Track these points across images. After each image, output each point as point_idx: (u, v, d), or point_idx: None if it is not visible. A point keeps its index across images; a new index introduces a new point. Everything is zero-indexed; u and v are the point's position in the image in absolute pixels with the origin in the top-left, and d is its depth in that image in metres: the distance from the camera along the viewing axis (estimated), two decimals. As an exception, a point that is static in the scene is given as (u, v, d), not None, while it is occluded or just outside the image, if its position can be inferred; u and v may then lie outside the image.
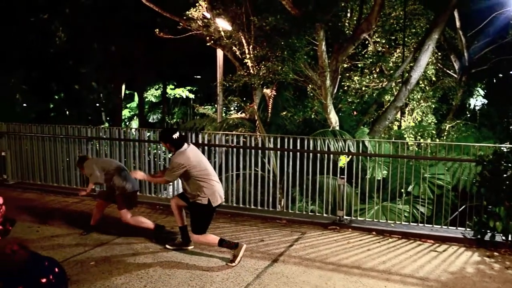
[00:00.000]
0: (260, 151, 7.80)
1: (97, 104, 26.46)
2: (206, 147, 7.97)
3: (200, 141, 8.01)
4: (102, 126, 18.82)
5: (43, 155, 9.46)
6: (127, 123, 31.68)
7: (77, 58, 22.61)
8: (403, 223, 7.04)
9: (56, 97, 25.33)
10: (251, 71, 12.48)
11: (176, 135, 5.61)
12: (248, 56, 12.64)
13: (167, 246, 6.04)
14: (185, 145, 5.69)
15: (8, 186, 9.32)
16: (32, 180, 9.62)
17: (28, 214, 7.37)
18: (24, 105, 22.04)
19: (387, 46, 16.08)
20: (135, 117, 31.89)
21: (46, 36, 20.96)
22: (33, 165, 9.59)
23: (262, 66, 11.80)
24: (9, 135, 9.79)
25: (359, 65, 15.61)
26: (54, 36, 21.30)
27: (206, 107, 25.18)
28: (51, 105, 24.84)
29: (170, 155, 6.46)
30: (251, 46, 12.59)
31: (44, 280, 3.42)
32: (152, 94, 32.31)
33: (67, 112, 23.68)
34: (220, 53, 15.06)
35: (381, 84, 14.87)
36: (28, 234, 6.43)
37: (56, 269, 3.31)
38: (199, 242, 5.64)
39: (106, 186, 6.57)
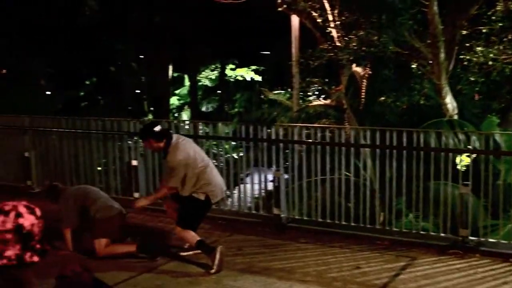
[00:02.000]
0: (352, 149, 7.70)
1: (138, 91, 27.24)
2: (281, 144, 7.97)
3: (273, 137, 8.02)
4: (145, 118, 19.36)
5: (75, 156, 9.80)
6: (176, 114, 32.36)
7: (113, 32, 23.31)
8: (553, 246, 6.73)
9: (87, 82, 26.34)
10: (337, 43, 12.39)
11: (157, 128, 6.28)
12: (332, 24, 12.56)
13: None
14: (174, 136, 6.38)
15: (33, 195, 9.69)
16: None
17: (58, 230, 7.66)
18: (48, 93, 23.05)
19: (524, 4, 15.44)
20: (185, 107, 32.50)
21: (74, 4, 21.78)
22: (62, 168, 9.97)
23: (352, 37, 11.67)
24: (34, 131, 10.22)
25: (484, 31, 15.09)
26: (83, 4, 22.11)
27: (278, 92, 25.25)
28: (81, 93, 25.86)
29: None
30: (336, 11, 12.50)
31: None
32: (206, 77, 32.77)
33: (102, 101, 24.52)
34: (295, 21, 15.08)
35: (515, 56, 14.31)
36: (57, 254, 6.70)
37: None
38: (179, 235, 6.34)
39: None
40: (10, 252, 2.18)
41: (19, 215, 2.21)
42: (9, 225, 2.18)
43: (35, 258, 2.24)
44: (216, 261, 6.09)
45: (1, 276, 2.20)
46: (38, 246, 2.26)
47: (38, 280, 2.45)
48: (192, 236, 6.27)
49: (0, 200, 2.31)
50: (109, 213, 6.66)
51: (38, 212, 2.28)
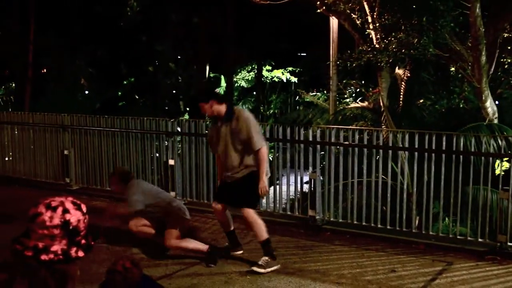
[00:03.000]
0: (390, 152, 7.68)
1: (174, 91, 27.47)
2: (318, 146, 7.99)
3: (310, 138, 8.04)
4: (181, 118, 19.54)
5: (113, 155, 9.98)
6: (212, 115, 32.47)
7: (152, 33, 23.60)
8: None
9: (125, 82, 26.70)
10: (376, 45, 12.33)
11: (217, 89, 6.05)
12: (371, 25, 12.50)
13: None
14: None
15: (71, 192, 9.94)
16: (100, 185, 10.19)
17: (97, 227, 7.81)
18: (86, 92, 23.45)
19: None
20: (221, 107, 32.61)
21: (115, 6, 22.12)
22: (101, 166, 10.16)
23: (392, 39, 11.60)
24: (73, 129, 10.45)
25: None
26: (124, 5, 22.42)
27: (314, 94, 25.23)
28: (119, 92, 26.21)
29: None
30: (376, 13, 12.44)
31: None
32: (243, 78, 32.86)
33: (139, 101, 24.79)
34: (334, 23, 15.04)
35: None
36: (96, 251, 6.82)
37: None
38: (250, 221, 6.23)
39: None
40: (56, 247, 2.25)
41: (66, 211, 2.28)
42: (56, 221, 2.25)
43: (80, 253, 2.31)
44: (269, 270, 6.12)
45: (47, 270, 2.26)
46: (83, 241, 2.33)
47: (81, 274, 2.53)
48: (263, 230, 6.29)
49: (43, 196, 2.39)
50: (182, 213, 6.78)
51: (84, 208, 2.35)
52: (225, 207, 6.60)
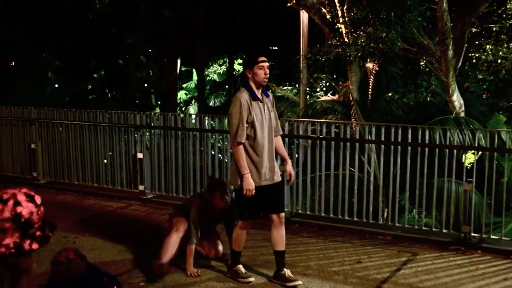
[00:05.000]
0: (357, 145, 7.76)
1: (146, 84, 27.35)
2: (286, 139, 8.03)
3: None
4: (152, 112, 19.47)
5: (82, 148, 9.91)
6: (183, 109, 32.49)
7: (122, 25, 23.43)
8: (555, 244, 6.76)
9: (95, 75, 26.49)
10: (346, 39, 12.42)
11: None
12: (341, 19, 12.59)
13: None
14: None
15: (38, 186, 9.85)
16: (67, 179, 10.13)
17: (64, 221, 7.75)
18: (56, 85, 23.20)
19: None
20: (193, 101, 32.59)
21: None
22: (69, 160, 10.09)
23: (361, 33, 11.70)
24: (41, 123, 10.35)
25: (494, 29, 15.09)
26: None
27: (285, 87, 25.32)
28: (89, 86, 26.00)
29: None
30: (345, 7, 12.53)
31: None
32: (215, 71, 32.88)
33: (109, 94, 24.62)
34: (304, 17, 15.11)
35: (524, 55, 14.29)
36: (63, 245, 6.78)
37: None
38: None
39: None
40: (8, 241, 2.23)
41: (17, 203, 2.26)
42: (7, 214, 2.23)
43: (35, 246, 2.30)
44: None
45: (0, 264, 2.25)
46: (38, 233, 2.31)
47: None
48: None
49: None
50: None
51: (38, 199, 2.34)
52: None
